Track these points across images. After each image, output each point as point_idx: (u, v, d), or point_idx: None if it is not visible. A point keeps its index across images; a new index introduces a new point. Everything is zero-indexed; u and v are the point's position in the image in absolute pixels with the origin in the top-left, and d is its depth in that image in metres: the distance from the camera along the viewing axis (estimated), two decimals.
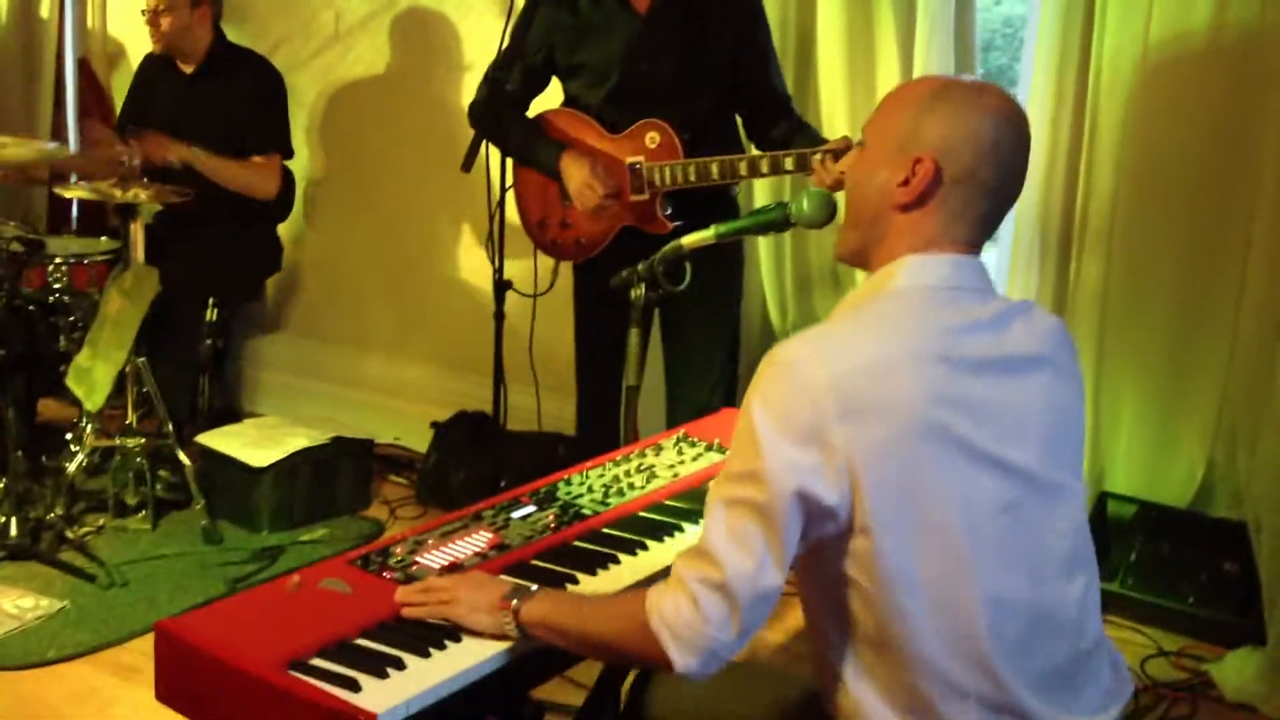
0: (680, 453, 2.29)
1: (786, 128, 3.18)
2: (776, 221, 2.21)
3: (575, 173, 3.21)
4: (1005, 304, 1.62)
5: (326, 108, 4.74)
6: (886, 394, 1.46)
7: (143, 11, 4.27)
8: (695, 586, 1.49)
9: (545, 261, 3.50)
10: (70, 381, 3.68)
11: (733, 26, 3.17)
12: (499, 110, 3.29)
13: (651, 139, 3.13)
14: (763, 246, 3.84)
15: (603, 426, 3.25)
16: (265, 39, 4.70)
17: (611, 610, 1.63)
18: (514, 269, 3.46)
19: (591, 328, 3.40)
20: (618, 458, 2.26)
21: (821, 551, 1.52)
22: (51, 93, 5.15)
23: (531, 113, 3.43)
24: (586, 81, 3.25)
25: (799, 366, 1.48)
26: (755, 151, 3.08)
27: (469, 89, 4.30)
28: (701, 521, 1.54)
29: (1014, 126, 1.59)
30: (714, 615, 1.48)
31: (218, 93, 4.30)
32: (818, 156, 2.89)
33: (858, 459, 1.45)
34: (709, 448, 2.34)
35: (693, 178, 3.08)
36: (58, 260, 3.86)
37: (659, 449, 2.31)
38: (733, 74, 3.19)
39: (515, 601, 1.65)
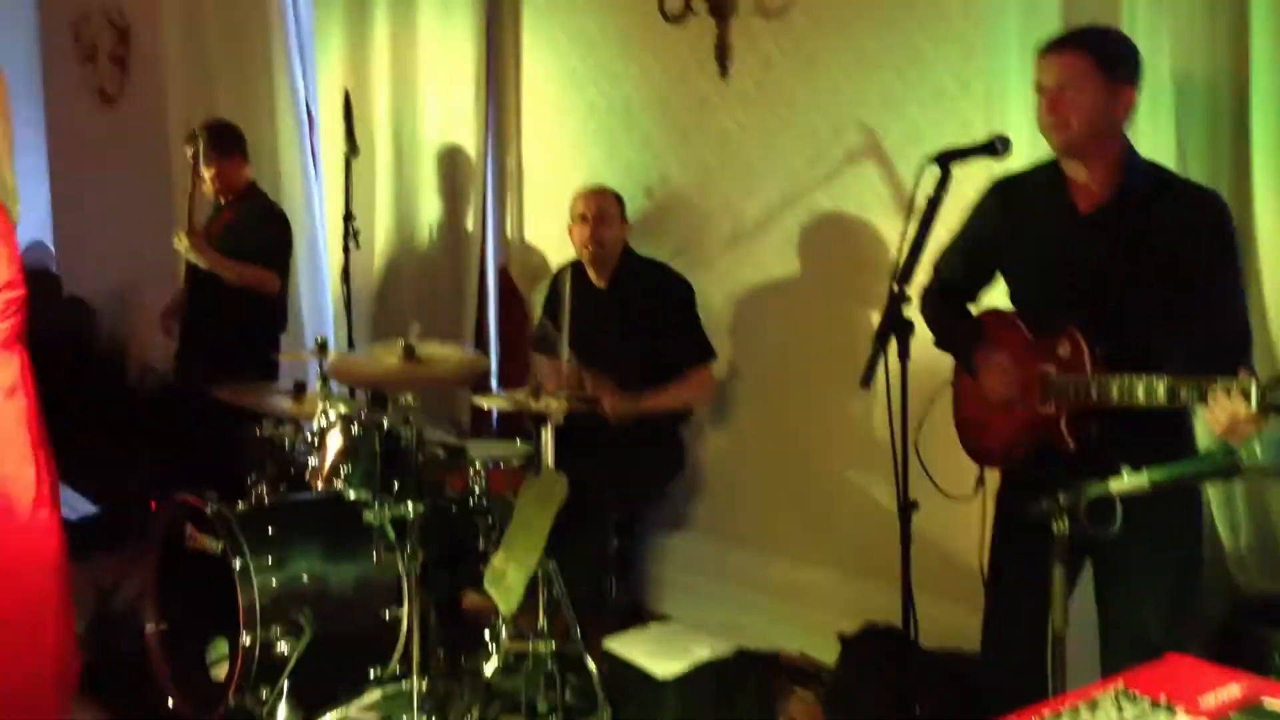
0: (1121, 711, 2.08)
1: (1222, 359, 2.74)
2: (1222, 469, 2.01)
3: (986, 368, 3.09)
4: None
5: (725, 310, 4.80)
6: None
7: (580, 217, 4.50)
8: None
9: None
10: (486, 584, 3.82)
11: (1184, 244, 2.88)
12: (933, 302, 3.28)
13: (1063, 348, 2.94)
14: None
15: (1013, 654, 3.04)
16: (665, 245, 4.85)
17: None
18: (936, 470, 3.33)
19: (1009, 550, 3.17)
20: (1047, 715, 2.07)
21: None
22: (474, 303, 5.50)
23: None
24: (1018, 279, 3.14)
25: None
26: (1160, 376, 2.72)
27: (870, 294, 4.27)
28: None
29: None
30: None
31: (631, 306, 4.47)
32: (1220, 389, 2.52)
33: None
34: (1154, 705, 2.11)
35: (1094, 396, 2.83)
36: (477, 464, 4.05)
37: (1094, 705, 2.11)
38: (1175, 296, 2.89)
39: None
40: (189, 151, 5.25)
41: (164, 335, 5.65)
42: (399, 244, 5.80)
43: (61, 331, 7.10)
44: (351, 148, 5.21)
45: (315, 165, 6.13)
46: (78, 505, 5.31)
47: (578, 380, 4.35)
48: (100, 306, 7.44)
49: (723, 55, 4.67)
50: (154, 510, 3.97)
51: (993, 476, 3.28)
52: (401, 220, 5.78)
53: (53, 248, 7.88)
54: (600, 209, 4.52)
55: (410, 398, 3.87)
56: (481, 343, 5.54)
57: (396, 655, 3.84)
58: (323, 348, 4.34)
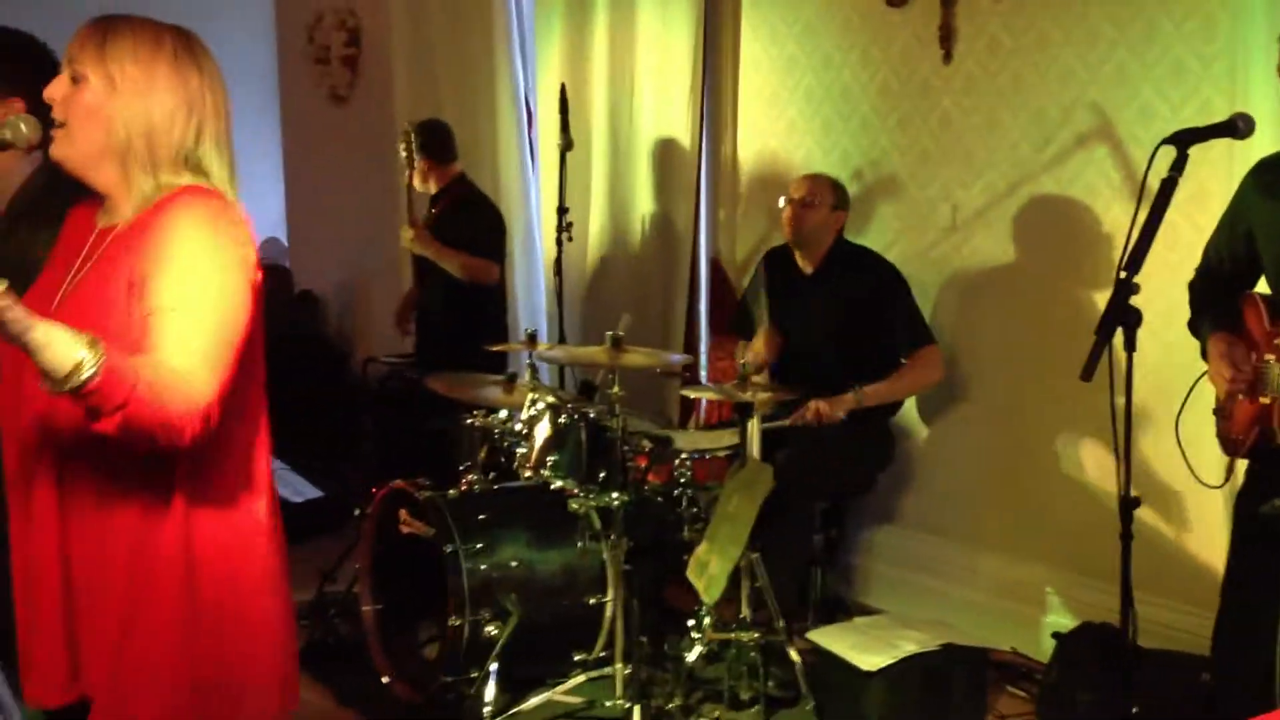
0: None
1: None
2: None
3: (1213, 355, 2.98)
4: None
5: (941, 300, 4.68)
6: None
7: (788, 201, 4.46)
8: None
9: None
10: (690, 573, 3.81)
11: None
12: (1195, 284, 3.19)
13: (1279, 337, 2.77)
14: None
15: (1246, 661, 2.87)
16: (883, 234, 4.76)
17: None
18: (1161, 467, 3.18)
19: (1246, 551, 3.00)
20: None
21: None
22: (686, 294, 5.49)
23: None
24: (1268, 263, 2.99)
25: None
26: None
27: (1095, 283, 4.10)
28: None
29: None
30: None
31: (839, 292, 4.40)
32: None
33: None
34: None
35: None
36: (683, 455, 4.03)
37: None
38: None
39: None
40: (401, 150, 5.38)
41: (401, 333, 5.82)
42: (612, 236, 5.84)
43: (292, 325, 7.41)
44: (566, 141, 5.27)
45: (533, 159, 6.22)
46: (302, 489, 5.54)
47: (778, 348, 4.29)
48: (329, 300, 7.73)
49: (947, 38, 4.54)
50: (372, 496, 4.09)
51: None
52: (615, 212, 5.81)
53: (286, 244, 8.21)
54: (810, 193, 4.46)
55: (617, 388, 3.89)
56: (692, 334, 5.52)
57: (600, 641, 3.87)
58: (532, 339, 4.40)
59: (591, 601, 3.87)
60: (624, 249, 5.81)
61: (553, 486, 4.00)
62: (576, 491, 3.88)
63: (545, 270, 6.03)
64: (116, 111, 1.95)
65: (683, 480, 4.01)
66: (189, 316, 1.87)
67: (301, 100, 7.93)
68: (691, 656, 3.79)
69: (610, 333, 3.90)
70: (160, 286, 1.88)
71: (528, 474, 4.12)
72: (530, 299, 6.16)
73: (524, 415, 4.16)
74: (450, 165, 5.47)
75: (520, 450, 4.20)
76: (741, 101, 5.40)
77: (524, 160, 6.21)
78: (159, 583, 1.95)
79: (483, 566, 3.75)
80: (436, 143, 5.41)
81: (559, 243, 5.36)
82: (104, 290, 1.94)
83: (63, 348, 1.70)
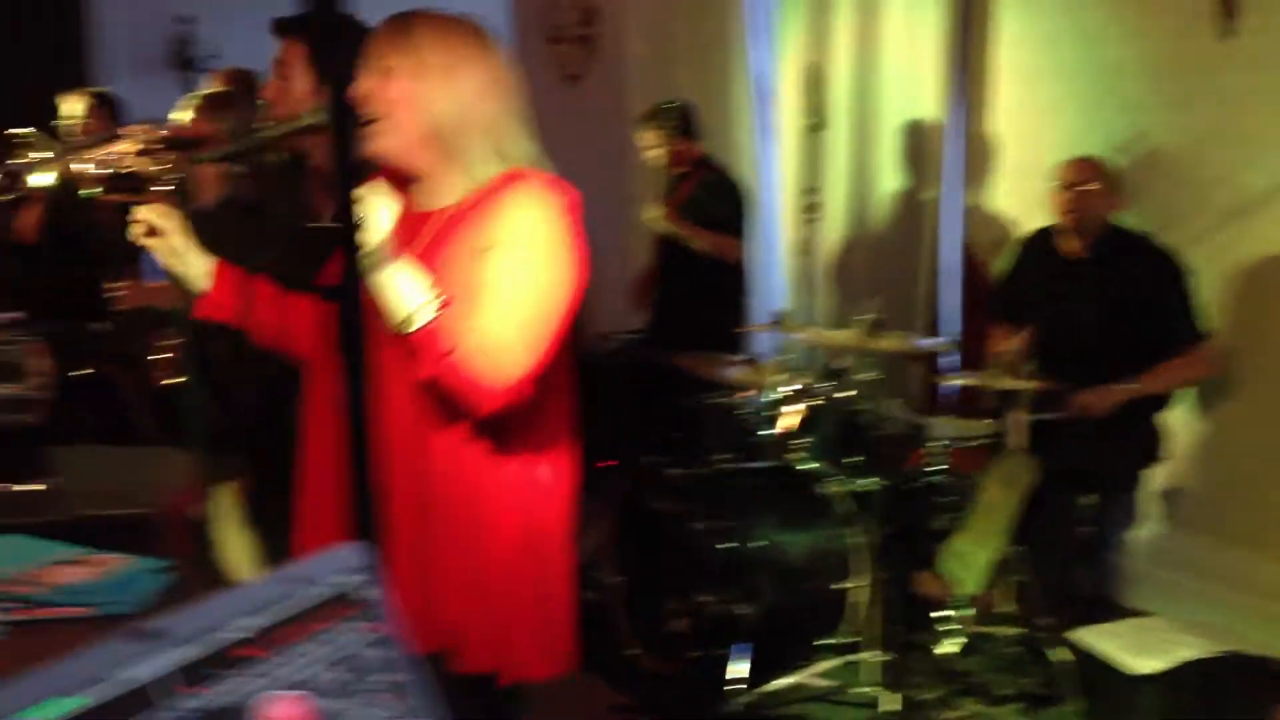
0: None
1: None
2: None
3: None
4: None
5: (1220, 289, 4.41)
6: None
7: (1063, 184, 4.30)
8: None
9: None
10: (945, 563, 3.71)
11: None
12: None
13: None
14: None
15: None
16: (1152, 217, 4.52)
17: None
18: None
19: None
20: None
21: None
22: (932, 278, 5.34)
23: None
24: None
25: None
26: None
27: None
28: None
29: None
30: None
31: (1111, 278, 4.20)
32: None
33: None
34: None
35: None
36: (939, 442, 3.92)
37: None
38: None
39: None
40: (647, 131, 5.38)
41: (637, 306, 5.82)
42: (855, 217, 5.75)
43: None
44: (817, 121, 5.20)
45: (767, 139, 6.15)
46: None
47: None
48: None
49: (1228, 10, 4.27)
50: (609, 470, 4.09)
51: None
52: (858, 192, 5.71)
53: None
54: (1087, 176, 4.27)
55: (872, 373, 3.80)
56: (938, 318, 5.37)
57: (846, 627, 3.79)
58: (780, 321, 4.36)
59: (839, 586, 3.79)
60: (867, 230, 5.70)
61: (800, 469, 3.93)
62: (829, 475, 3.80)
63: (783, 251, 5.96)
64: (428, 98, 2.05)
65: (935, 468, 3.90)
66: (514, 297, 2.01)
67: (535, 79, 7.97)
68: (947, 648, 3.68)
69: (869, 316, 3.82)
70: (492, 265, 2.02)
71: (776, 456, 4.06)
72: (766, 279, 6.09)
73: (773, 396, 4.10)
74: (696, 145, 5.47)
75: (764, 431, 4.14)
76: (998, 80, 5.21)
77: (760, 140, 6.14)
78: (501, 533, 2.11)
79: (733, 545, 3.70)
80: (687, 123, 5.43)
81: (805, 224, 5.29)
82: (449, 265, 2.03)
83: (405, 293, 1.94)
